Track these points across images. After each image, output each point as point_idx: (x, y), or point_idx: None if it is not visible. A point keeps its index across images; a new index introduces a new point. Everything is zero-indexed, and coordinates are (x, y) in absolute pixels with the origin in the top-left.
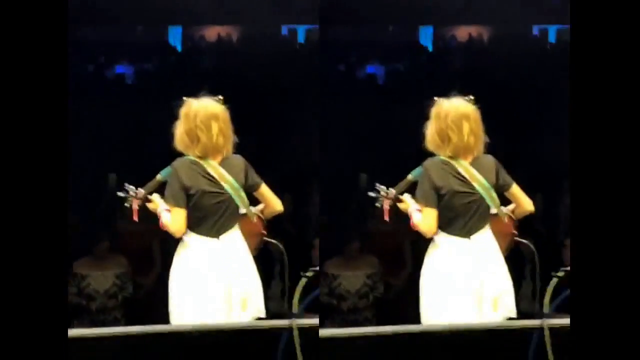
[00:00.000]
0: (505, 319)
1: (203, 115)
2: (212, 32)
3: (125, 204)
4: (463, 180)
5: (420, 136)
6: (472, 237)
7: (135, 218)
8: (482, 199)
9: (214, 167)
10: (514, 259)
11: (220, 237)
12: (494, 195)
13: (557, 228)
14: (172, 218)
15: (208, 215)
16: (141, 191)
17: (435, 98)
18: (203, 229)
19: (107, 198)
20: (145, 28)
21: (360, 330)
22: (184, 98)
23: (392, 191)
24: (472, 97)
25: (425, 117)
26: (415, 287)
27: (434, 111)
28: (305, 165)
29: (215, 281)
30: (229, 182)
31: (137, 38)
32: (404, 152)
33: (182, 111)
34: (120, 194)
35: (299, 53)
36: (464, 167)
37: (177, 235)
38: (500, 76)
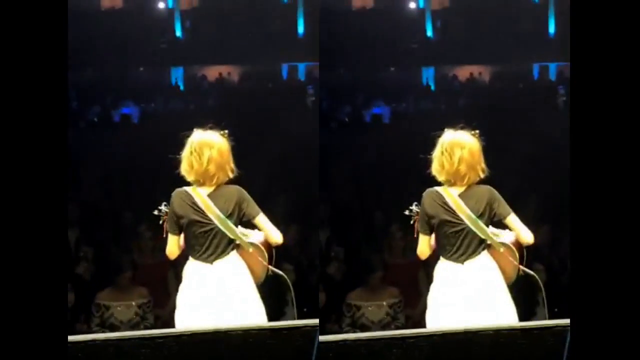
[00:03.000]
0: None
1: (197, 143)
2: (213, 72)
3: (160, 222)
4: (450, 210)
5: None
6: (465, 263)
7: (164, 234)
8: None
9: (201, 197)
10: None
11: (214, 263)
12: (481, 225)
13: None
14: (168, 243)
15: (198, 243)
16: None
17: (445, 129)
18: (197, 255)
19: (125, 232)
20: (147, 69)
21: (357, 335)
22: (195, 129)
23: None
24: (476, 131)
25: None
26: None
27: (439, 140)
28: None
29: (207, 304)
30: (213, 213)
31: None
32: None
33: (188, 139)
34: (156, 212)
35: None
36: (452, 197)
37: (170, 257)
38: (502, 113)
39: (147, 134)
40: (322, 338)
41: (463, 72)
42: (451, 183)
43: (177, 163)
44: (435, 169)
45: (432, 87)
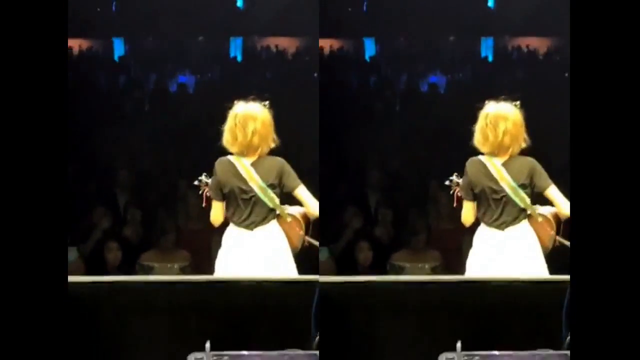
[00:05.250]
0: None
1: (242, 115)
2: (271, 43)
3: (200, 192)
4: (493, 178)
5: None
6: (505, 230)
7: (204, 204)
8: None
9: (244, 166)
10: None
11: (255, 230)
12: (522, 194)
13: None
14: (212, 209)
15: (239, 210)
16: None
17: (487, 101)
18: (238, 222)
19: (173, 197)
20: (207, 39)
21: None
22: (235, 101)
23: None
24: (518, 102)
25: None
26: None
27: (481, 112)
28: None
29: (245, 268)
30: (255, 181)
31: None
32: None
33: (230, 112)
34: (196, 182)
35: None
36: (495, 166)
37: (215, 224)
38: (560, 85)
39: (200, 104)
40: (322, 279)
41: (522, 44)
42: (494, 154)
43: (219, 135)
44: (478, 141)
45: (490, 58)
